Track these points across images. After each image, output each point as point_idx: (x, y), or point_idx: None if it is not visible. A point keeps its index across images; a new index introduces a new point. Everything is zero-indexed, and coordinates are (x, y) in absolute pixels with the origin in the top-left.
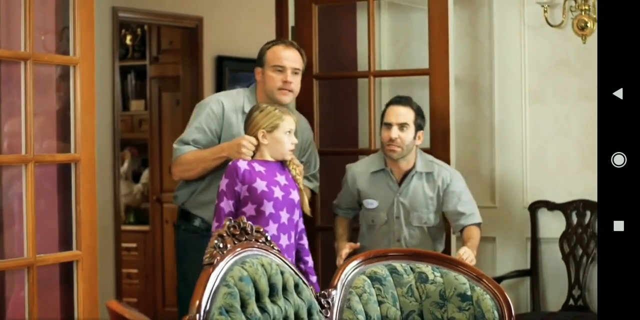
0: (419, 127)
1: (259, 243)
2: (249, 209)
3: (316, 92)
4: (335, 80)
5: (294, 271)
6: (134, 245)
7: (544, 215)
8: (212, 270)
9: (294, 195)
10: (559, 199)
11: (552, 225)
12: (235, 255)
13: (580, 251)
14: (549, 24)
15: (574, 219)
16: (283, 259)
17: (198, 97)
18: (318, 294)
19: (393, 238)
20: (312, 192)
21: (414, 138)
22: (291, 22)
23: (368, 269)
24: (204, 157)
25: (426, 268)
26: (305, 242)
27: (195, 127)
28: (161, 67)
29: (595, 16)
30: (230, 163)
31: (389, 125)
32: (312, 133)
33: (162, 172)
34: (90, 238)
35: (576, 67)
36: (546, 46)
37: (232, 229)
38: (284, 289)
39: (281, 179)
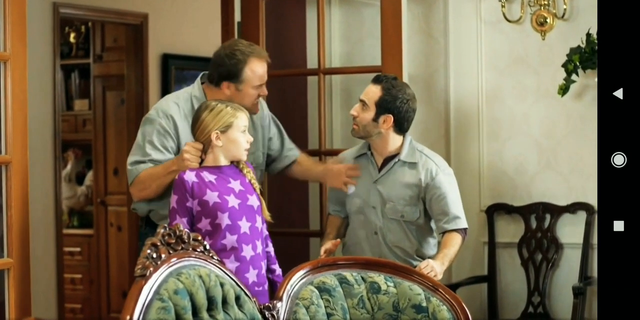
0: (384, 110)
1: (196, 252)
2: (204, 225)
3: None
4: (284, 78)
5: (236, 282)
6: (77, 249)
7: (501, 218)
8: (145, 283)
9: (253, 201)
10: (517, 202)
11: (511, 230)
12: (170, 266)
13: (539, 256)
14: (506, 19)
15: (534, 223)
16: (223, 269)
17: (143, 97)
18: (262, 307)
19: (370, 230)
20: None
21: (376, 121)
22: (238, 17)
23: (316, 279)
24: (157, 173)
25: (378, 277)
26: (271, 249)
27: (152, 147)
28: (105, 66)
29: (555, 11)
30: (177, 177)
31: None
32: (265, 106)
33: (107, 174)
34: (22, 245)
35: (535, 65)
36: (504, 43)
37: (166, 237)
38: (224, 302)
39: (235, 184)
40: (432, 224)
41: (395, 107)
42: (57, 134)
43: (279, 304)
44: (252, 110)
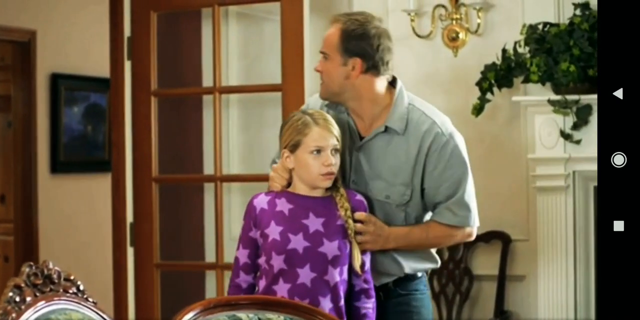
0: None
1: (68, 294)
2: (262, 262)
3: (154, 111)
4: (177, 97)
5: None
6: None
7: None
8: None
9: (328, 248)
10: None
11: None
12: (37, 311)
13: (452, 289)
14: (416, 34)
15: (445, 253)
16: (100, 313)
17: (31, 119)
18: None
19: None
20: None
21: None
22: (128, 32)
23: None
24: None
25: (278, 319)
26: (368, 306)
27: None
28: None
29: (468, 26)
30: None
31: None
32: (442, 143)
33: None
34: None
35: (446, 83)
36: (412, 60)
37: (32, 277)
38: None
39: (314, 222)
40: None
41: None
42: None
43: None
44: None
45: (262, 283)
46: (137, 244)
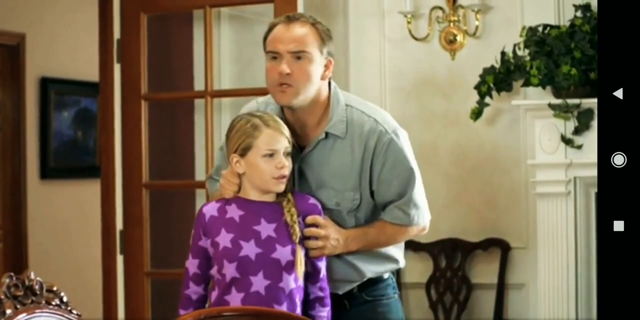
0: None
1: (51, 306)
2: (214, 272)
3: (145, 116)
4: (168, 101)
5: None
6: None
7: (408, 257)
8: None
9: (281, 254)
10: (424, 239)
11: (418, 269)
12: None
13: (450, 298)
14: (413, 37)
15: (443, 262)
16: None
17: (20, 124)
18: None
19: None
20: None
21: None
22: (118, 34)
23: None
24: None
25: None
26: (323, 315)
27: (216, 159)
28: None
29: (466, 28)
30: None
31: None
32: (387, 141)
33: None
34: None
35: (444, 87)
36: (410, 63)
37: (12, 288)
38: None
39: (265, 228)
40: None
41: None
42: None
43: None
44: (276, 99)
45: (214, 294)
46: (127, 252)
